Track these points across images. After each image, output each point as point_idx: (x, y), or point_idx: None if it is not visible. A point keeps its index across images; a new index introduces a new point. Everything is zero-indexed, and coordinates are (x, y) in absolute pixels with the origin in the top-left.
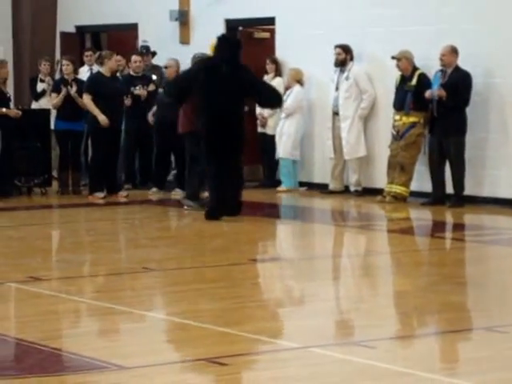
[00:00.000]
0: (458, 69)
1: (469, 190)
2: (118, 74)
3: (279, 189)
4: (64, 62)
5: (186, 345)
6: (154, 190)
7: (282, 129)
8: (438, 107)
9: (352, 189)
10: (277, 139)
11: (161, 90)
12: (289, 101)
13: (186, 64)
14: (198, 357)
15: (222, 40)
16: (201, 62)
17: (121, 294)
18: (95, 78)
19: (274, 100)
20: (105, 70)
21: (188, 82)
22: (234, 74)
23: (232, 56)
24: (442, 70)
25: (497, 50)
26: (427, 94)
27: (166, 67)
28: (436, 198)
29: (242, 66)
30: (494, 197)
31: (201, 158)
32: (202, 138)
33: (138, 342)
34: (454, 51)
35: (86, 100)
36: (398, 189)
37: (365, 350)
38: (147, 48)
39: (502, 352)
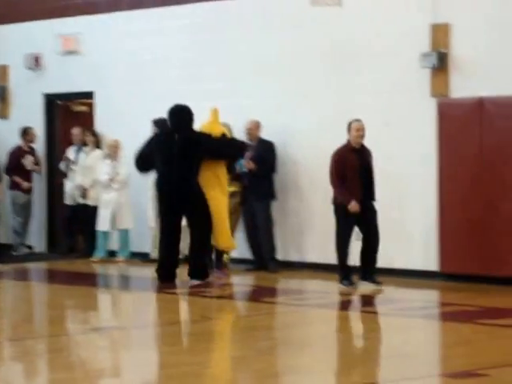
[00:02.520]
0: (261, 140)
1: (284, 254)
2: None
3: (94, 259)
4: None
5: None
6: None
7: (111, 200)
8: (249, 178)
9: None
10: (102, 211)
11: None
12: (122, 173)
13: (5, 139)
14: None
15: (173, 110)
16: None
17: None
18: None
19: (235, 151)
20: None
21: (149, 151)
22: (186, 142)
23: (184, 125)
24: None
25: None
26: (237, 168)
27: None
28: (257, 263)
29: (195, 133)
30: (303, 261)
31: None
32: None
33: None
34: (258, 125)
35: None
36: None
37: None
38: None
39: None
